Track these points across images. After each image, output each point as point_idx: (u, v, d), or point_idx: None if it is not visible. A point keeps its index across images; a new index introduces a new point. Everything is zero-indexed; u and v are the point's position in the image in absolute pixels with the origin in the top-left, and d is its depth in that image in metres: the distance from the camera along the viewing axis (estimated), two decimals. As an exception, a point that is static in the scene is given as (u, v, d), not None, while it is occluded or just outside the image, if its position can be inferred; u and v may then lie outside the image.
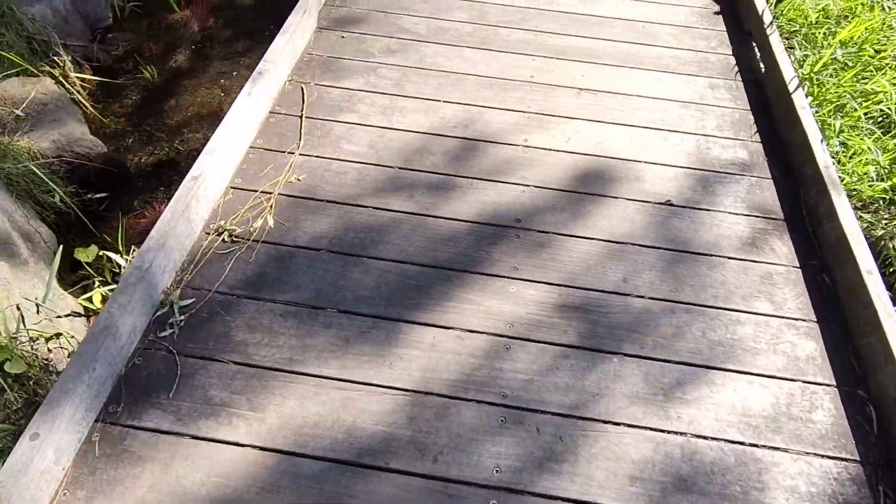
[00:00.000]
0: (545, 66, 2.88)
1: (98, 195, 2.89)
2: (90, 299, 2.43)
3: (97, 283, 2.49)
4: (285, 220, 2.14)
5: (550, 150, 2.47)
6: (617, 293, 2.00)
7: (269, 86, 2.50)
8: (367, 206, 2.20)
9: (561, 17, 3.20)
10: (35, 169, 2.51)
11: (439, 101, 2.65)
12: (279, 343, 1.79)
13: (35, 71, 3.22)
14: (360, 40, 2.96)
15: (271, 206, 2.17)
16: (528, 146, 2.48)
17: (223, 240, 2.06)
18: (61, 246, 2.33)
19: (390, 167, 2.35)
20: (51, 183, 2.56)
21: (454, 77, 2.78)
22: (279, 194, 2.22)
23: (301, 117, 2.53)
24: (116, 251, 2.67)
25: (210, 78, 3.65)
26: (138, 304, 1.74)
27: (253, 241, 2.06)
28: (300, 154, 2.37)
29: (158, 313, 1.84)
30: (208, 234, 2.07)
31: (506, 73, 2.83)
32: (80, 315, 2.35)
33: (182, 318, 1.82)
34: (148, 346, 1.76)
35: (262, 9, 4.18)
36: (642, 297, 1.99)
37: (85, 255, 2.61)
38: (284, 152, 2.38)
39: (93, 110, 3.30)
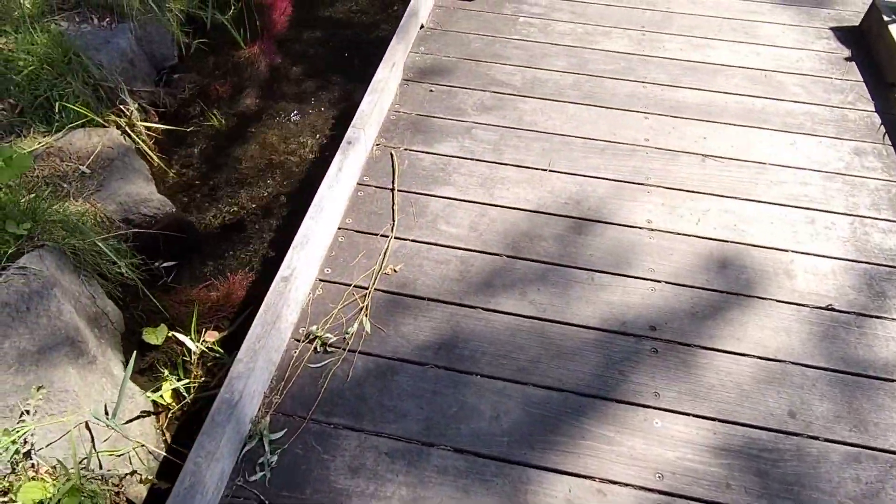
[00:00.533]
0: (660, 126, 2.54)
1: (165, 264, 2.68)
2: (160, 394, 2.21)
3: (167, 374, 2.27)
4: (383, 323, 1.86)
5: (679, 233, 2.13)
6: (784, 432, 1.65)
7: (358, 155, 2.24)
8: (474, 307, 1.91)
9: (670, 66, 2.85)
10: (102, 246, 2.30)
11: (545, 170, 2.35)
12: (387, 493, 1.51)
13: (101, 121, 3.03)
14: (450, 94, 2.67)
15: (367, 307, 1.90)
16: (652, 229, 2.15)
17: (315, 349, 1.80)
18: (134, 353, 2.11)
19: (497, 255, 2.06)
20: (117, 259, 2.35)
21: (558, 140, 2.47)
22: (375, 289, 1.95)
23: (392, 190, 2.25)
24: (186, 331, 2.46)
25: (280, 122, 3.42)
26: (227, 446, 1.48)
27: (349, 351, 1.79)
28: (395, 237, 2.10)
29: (247, 448, 1.58)
30: (298, 341, 1.81)
31: (616, 134, 2.50)
32: (149, 414, 2.12)
33: (274, 457, 1.56)
34: (236, 495, 1.50)
35: (331, 42, 3.94)
36: (816, 437, 1.64)
37: (154, 336, 2.39)
38: (377, 235, 2.11)
39: (159, 162, 3.10)
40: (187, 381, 2.22)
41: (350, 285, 1.95)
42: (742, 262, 2.06)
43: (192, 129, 3.34)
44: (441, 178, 2.31)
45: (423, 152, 2.41)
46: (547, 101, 2.65)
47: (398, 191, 2.25)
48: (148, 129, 3.21)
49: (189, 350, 2.31)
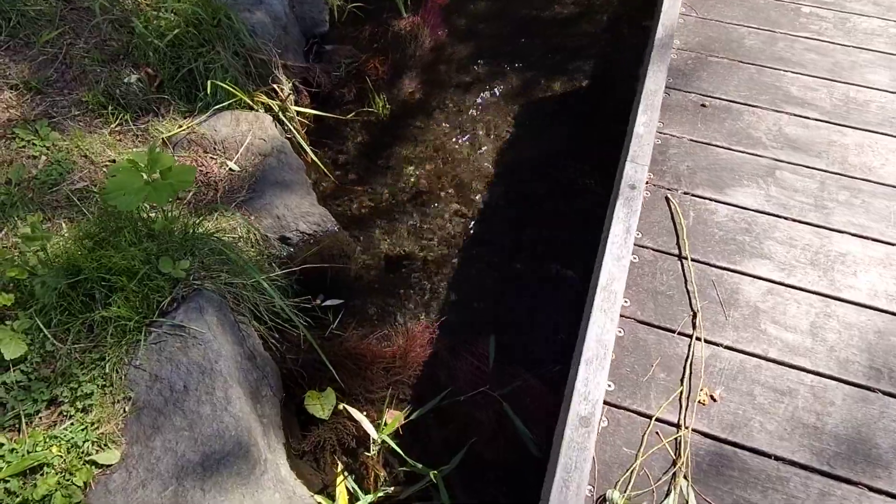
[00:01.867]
0: None
1: (328, 302, 2.10)
2: (331, 495, 1.65)
3: (340, 470, 1.70)
4: (716, 496, 1.20)
5: None
6: None
7: (635, 203, 1.55)
8: (856, 483, 1.22)
9: None
10: (266, 285, 1.72)
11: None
12: None
13: (250, 102, 2.45)
14: (730, 113, 1.93)
15: (685, 463, 1.24)
16: None
17: (619, 531, 1.16)
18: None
19: (866, 388, 1.35)
20: (281, 301, 1.77)
21: (907, 198, 1.70)
22: (691, 430, 1.28)
23: (682, 259, 1.56)
24: (358, 399, 1.88)
25: (454, 117, 2.76)
26: None
27: (672, 542, 1.14)
28: (702, 340, 1.42)
29: None
30: (592, 512, 1.18)
31: None
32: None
33: None
34: None
35: (504, 18, 3.22)
36: None
37: (320, 407, 1.83)
38: (673, 332, 1.43)
39: (315, 160, 2.50)
40: (370, 496, 1.65)
41: (650, 417, 1.30)
42: None
43: (351, 115, 2.72)
44: (749, 244, 1.60)
45: (712, 200, 1.70)
46: (874, 133, 1.87)
47: (692, 260, 1.56)
48: (300, 114, 2.61)
49: (367, 434, 1.73)
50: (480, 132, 2.70)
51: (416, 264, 2.28)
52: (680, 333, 1.44)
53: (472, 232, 2.38)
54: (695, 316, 1.46)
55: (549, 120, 2.77)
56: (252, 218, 2.07)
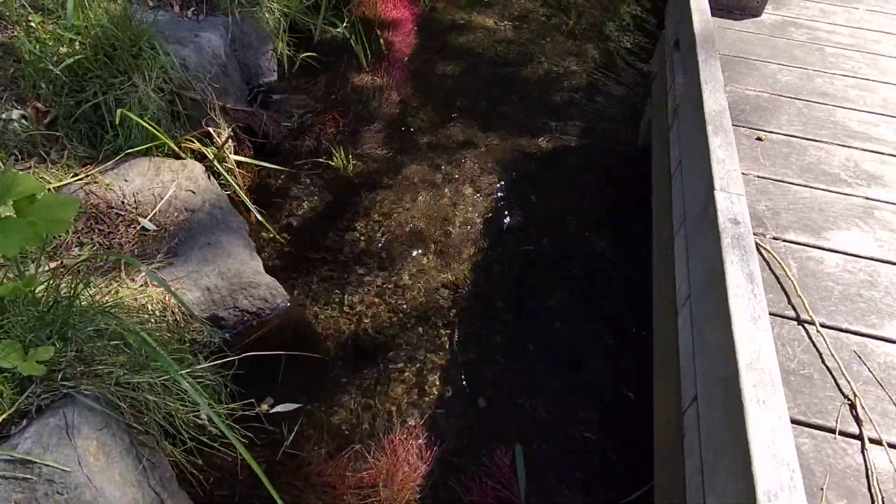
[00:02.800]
0: None
1: (279, 408, 1.49)
2: None
3: None
4: None
5: None
6: None
7: (747, 242, 1.09)
8: None
9: None
10: (187, 384, 1.10)
11: None
12: None
13: (176, 148, 1.91)
14: (792, 147, 1.57)
15: None
16: None
17: None
18: None
19: None
20: (208, 409, 1.15)
21: None
22: None
23: (802, 323, 1.10)
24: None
25: (423, 173, 2.30)
26: None
27: None
28: (882, 443, 0.92)
29: None
30: None
31: None
32: None
33: None
34: None
35: (470, 76, 2.89)
36: None
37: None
38: (833, 433, 0.93)
39: (263, 220, 1.95)
40: None
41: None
42: None
43: (305, 170, 2.21)
44: (882, 302, 1.16)
45: (812, 247, 1.27)
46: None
47: (819, 326, 1.09)
48: (243, 166, 2.09)
49: None
50: (458, 190, 2.25)
51: (395, 350, 1.71)
52: (842, 434, 0.94)
53: (462, 306, 1.85)
54: (853, 406, 0.97)
55: (529, 172, 2.36)
56: (175, 288, 1.47)
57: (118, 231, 1.61)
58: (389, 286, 1.88)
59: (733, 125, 1.61)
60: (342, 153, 2.27)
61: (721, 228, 1.06)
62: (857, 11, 2.34)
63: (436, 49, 3.02)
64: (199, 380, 1.26)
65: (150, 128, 1.80)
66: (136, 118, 1.77)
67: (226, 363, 1.35)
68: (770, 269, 1.21)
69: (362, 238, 2.03)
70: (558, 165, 2.42)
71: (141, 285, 1.46)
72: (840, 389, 1.00)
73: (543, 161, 2.43)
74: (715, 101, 1.41)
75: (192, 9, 2.36)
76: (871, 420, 0.96)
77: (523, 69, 2.96)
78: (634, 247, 2.01)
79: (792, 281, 1.17)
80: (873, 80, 1.90)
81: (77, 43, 1.86)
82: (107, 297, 1.31)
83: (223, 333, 1.57)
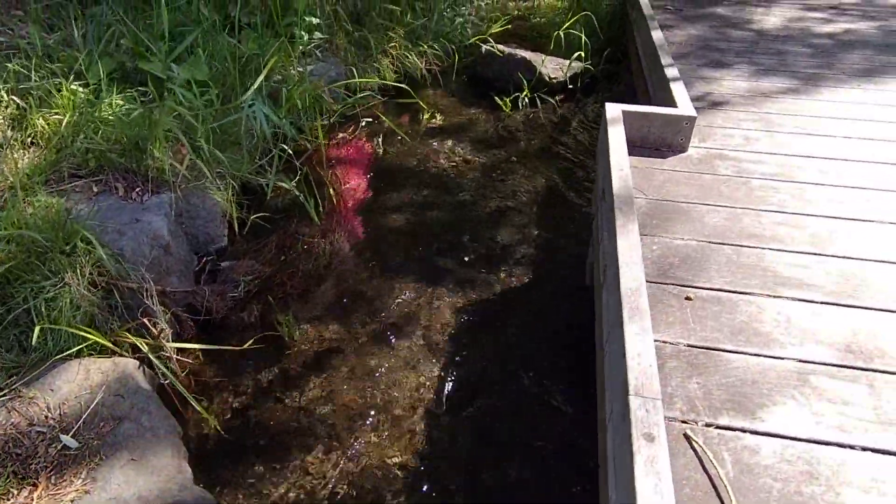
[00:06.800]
0: None
1: None
2: None
3: None
4: None
5: None
6: None
7: (659, 464, 1.02)
8: None
9: None
10: None
11: None
12: None
13: (109, 344, 1.87)
14: (723, 305, 1.54)
15: None
16: None
17: None
18: None
19: None
20: None
21: None
22: None
23: (741, 540, 1.01)
24: None
25: (374, 335, 2.26)
26: None
27: None
28: None
29: None
30: None
31: None
32: None
33: None
34: None
35: (419, 221, 2.93)
36: None
37: None
38: None
39: (202, 411, 1.89)
40: None
41: None
42: None
43: (249, 345, 2.17)
44: (823, 498, 1.09)
45: (746, 431, 1.21)
46: (892, 313, 1.52)
47: (757, 542, 1.01)
48: (183, 351, 2.04)
49: None
50: (408, 352, 2.20)
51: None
52: None
53: (414, 490, 1.75)
54: None
55: (482, 324, 2.33)
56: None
57: (37, 454, 1.54)
58: (335, 474, 1.78)
59: (663, 284, 1.60)
60: (288, 322, 2.24)
61: (635, 449, 1.00)
62: (780, 135, 2.41)
63: (388, 195, 3.08)
64: None
65: (77, 331, 1.77)
66: (64, 327, 1.75)
67: None
68: (703, 467, 1.14)
69: (306, 418, 1.95)
70: (511, 314, 2.39)
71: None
72: None
73: (496, 311, 2.40)
74: (632, 276, 1.40)
75: (138, 189, 2.42)
76: None
77: (475, 209, 3.01)
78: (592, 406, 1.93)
79: (725, 483, 1.10)
80: (800, 214, 1.91)
81: (7, 251, 1.87)
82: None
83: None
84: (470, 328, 2.30)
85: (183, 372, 2.01)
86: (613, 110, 2.22)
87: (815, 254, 1.73)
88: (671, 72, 2.59)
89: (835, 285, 1.61)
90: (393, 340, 2.24)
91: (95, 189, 2.34)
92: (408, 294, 2.45)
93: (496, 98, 4.10)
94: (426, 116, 3.89)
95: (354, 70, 3.92)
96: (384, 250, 2.70)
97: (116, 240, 2.08)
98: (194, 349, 2.06)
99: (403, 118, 3.94)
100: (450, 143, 3.60)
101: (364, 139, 3.57)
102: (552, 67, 4.24)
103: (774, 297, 1.57)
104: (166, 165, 2.39)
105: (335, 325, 2.30)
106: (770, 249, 1.75)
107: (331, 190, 3.01)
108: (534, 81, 4.15)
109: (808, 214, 1.91)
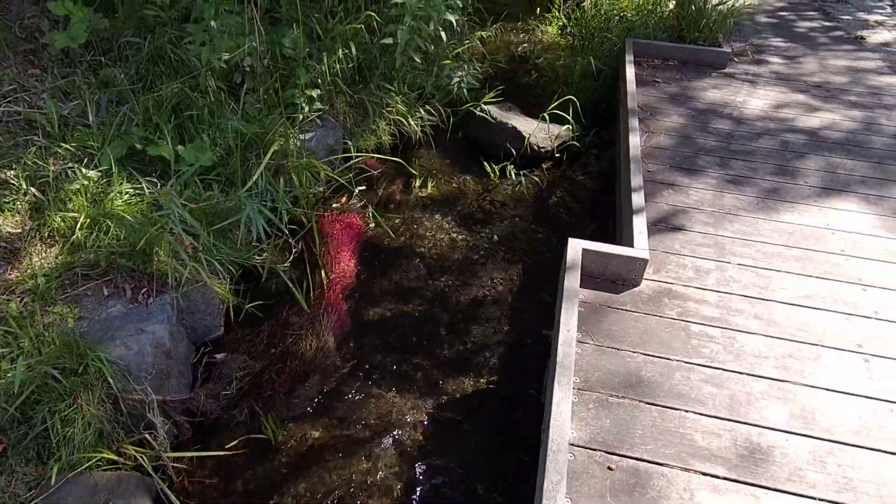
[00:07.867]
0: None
1: None
2: None
3: None
4: None
5: None
6: None
7: None
8: None
9: None
10: None
11: None
12: None
13: (115, 457, 2.15)
14: (639, 477, 1.80)
15: None
16: None
17: None
18: None
19: None
20: None
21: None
22: None
23: None
24: None
25: (351, 441, 2.54)
26: None
27: None
28: None
29: None
30: None
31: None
32: None
33: None
34: None
35: (402, 309, 3.19)
36: None
37: None
38: None
39: (190, 518, 2.17)
40: None
41: None
42: None
43: (235, 449, 2.45)
44: None
45: None
46: (791, 496, 1.77)
47: None
48: (177, 461, 2.32)
49: None
50: (385, 453, 2.48)
51: None
52: None
53: None
54: None
55: (451, 432, 2.59)
56: None
57: (52, 573, 1.82)
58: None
59: (590, 449, 1.86)
60: (272, 422, 2.51)
61: None
62: (729, 268, 2.63)
63: (374, 279, 3.34)
64: None
65: (91, 455, 2.05)
66: (77, 455, 2.03)
67: None
68: None
69: (285, 525, 2.23)
70: (472, 419, 2.65)
71: None
72: None
73: (459, 417, 2.66)
74: (556, 441, 1.65)
75: (144, 290, 2.68)
76: None
77: (454, 297, 3.26)
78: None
79: None
80: (726, 370, 2.16)
81: (27, 375, 2.14)
82: None
83: None
84: (436, 433, 2.57)
85: (178, 476, 2.29)
86: (573, 250, 2.45)
87: (729, 419, 1.98)
88: (637, 200, 2.78)
89: (738, 458, 1.86)
90: (368, 445, 2.51)
91: (106, 292, 2.60)
92: (385, 395, 2.72)
93: (486, 164, 4.32)
94: (417, 184, 4.12)
95: (352, 137, 4.15)
96: (366, 344, 2.95)
97: (124, 354, 2.34)
98: (188, 456, 2.34)
99: (397, 183, 4.17)
100: (438, 216, 3.84)
101: (357, 210, 3.81)
102: (541, 137, 4.44)
103: (684, 469, 1.83)
104: (170, 270, 2.64)
105: (317, 425, 2.57)
106: (692, 413, 2.00)
107: (322, 273, 3.27)
108: (522, 150, 4.37)
109: (732, 371, 2.15)
